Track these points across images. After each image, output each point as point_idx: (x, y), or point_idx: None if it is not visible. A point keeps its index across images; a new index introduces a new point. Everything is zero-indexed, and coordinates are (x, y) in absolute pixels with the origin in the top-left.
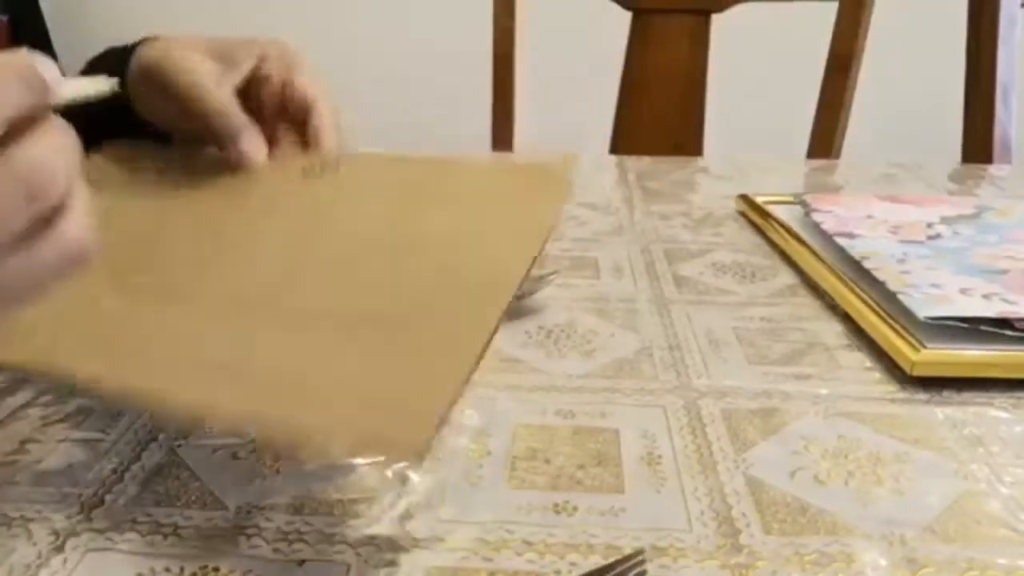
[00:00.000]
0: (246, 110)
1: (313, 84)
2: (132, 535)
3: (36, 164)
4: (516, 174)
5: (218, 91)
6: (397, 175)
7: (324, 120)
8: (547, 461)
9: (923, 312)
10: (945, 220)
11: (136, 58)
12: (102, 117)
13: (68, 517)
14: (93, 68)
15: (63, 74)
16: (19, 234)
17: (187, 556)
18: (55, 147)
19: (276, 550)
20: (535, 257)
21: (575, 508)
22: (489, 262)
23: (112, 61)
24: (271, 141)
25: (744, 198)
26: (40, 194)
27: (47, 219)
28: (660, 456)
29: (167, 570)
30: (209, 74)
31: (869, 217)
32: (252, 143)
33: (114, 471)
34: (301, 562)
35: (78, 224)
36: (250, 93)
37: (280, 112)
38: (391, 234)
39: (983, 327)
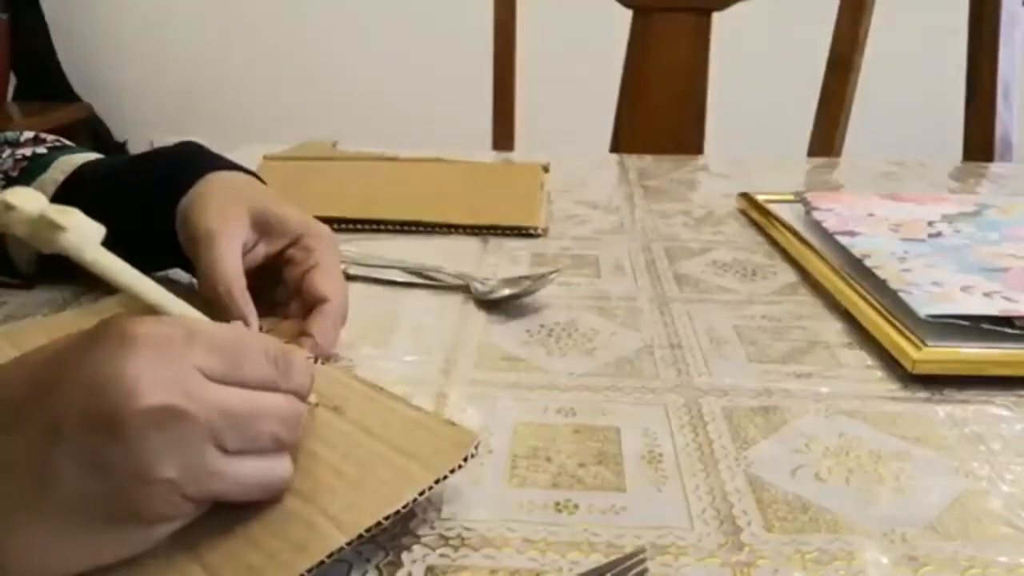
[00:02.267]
0: (264, 279)
1: (329, 281)
2: None
3: (300, 412)
4: (428, 427)
5: (230, 271)
6: (343, 393)
7: (326, 322)
8: (548, 459)
9: (924, 310)
10: (946, 218)
11: (184, 199)
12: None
13: None
14: (136, 164)
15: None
16: (264, 449)
17: None
18: (303, 407)
19: None
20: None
21: (576, 506)
22: (342, 510)
23: (160, 176)
24: (282, 315)
25: (745, 196)
26: (293, 437)
27: (276, 450)
28: (661, 454)
29: None
30: (231, 246)
31: (870, 215)
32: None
33: None
34: None
35: (289, 465)
36: (275, 264)
37: (295, 293)
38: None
39: (984, 325)
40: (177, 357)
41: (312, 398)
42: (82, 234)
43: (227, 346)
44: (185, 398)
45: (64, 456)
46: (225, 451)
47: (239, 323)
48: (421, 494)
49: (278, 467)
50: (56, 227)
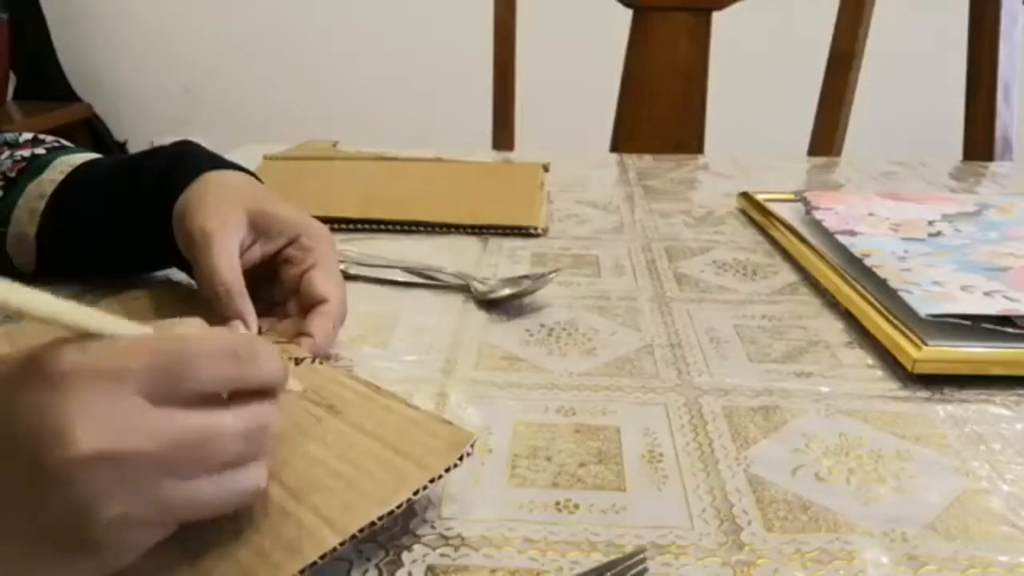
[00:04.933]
0: (262, 279)
1: (328, 281)
2: None
3: (264, 420)
4: (424, 426)
5: (228, 271)
6: (340, 393)
7: (325, 321)
8: (548, 459)
9: (924, 309)
10: (946, 217)
11: (181, 199)
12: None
13: None
14: (134, 163)
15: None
16: (222, 467)
17: None
18: (276, 413)
19: None
20: (369, 523)
21: (576, 506)
22: (336, 511)
23: (156, 178)
24: (280, 314)
25: (745, 196)
26: (257, 446)
27: (243, 463)
28: (661, 454)
29: None
30: (228, 246)
31: (870, 215)
32: (238, 331)
33: None
34: None
35: (261, 474)
36: (273, 264)
37: (293, 292)
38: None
39: (984, 324)
40: (109, 391)
41: (295, 385)
42: None
43: (167, 362)
44: (122, 438)
45: (7, 501)
46: (180, 477)
47: (239, 326)
48: (416, 494)
49: (244, 481)
50: None
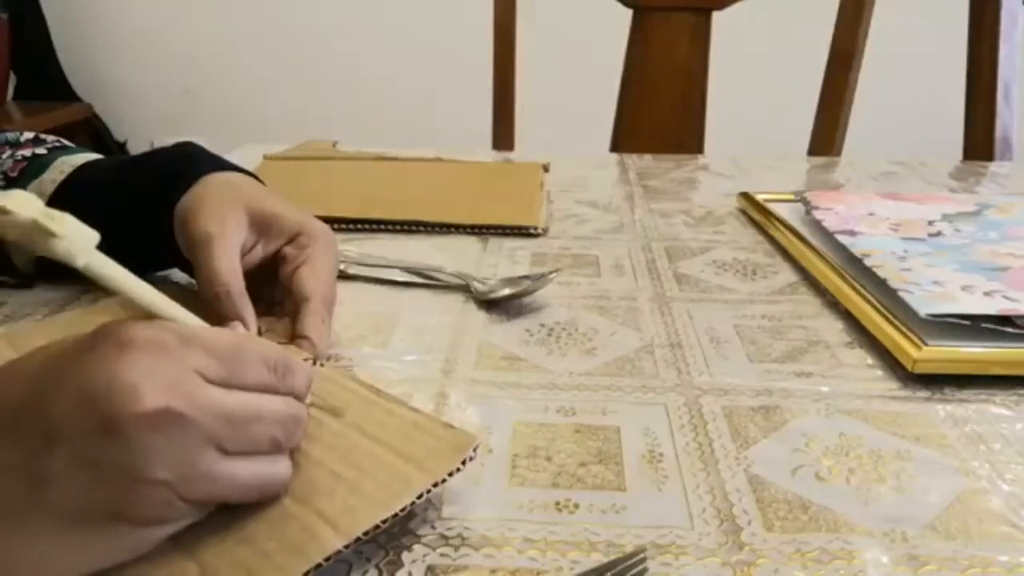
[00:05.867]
0: (263, 278)
1: (312, 278)
2: None
3: (300, 413)
4: (427, 430)
5: (228, 273)
6: (342, 394)
7: (315, 320)
8: (548, 459)
9: (924, 309)
10: (946, 217)
11: (182, 200)
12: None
13: None
14: (135, 164)
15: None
16: (262, 450)
17: None
18: (303, 409)
19: None
20: (378, 523)
21: (576, 506)
22: (340, 513)
23: (157, 178)
24: (278, 314)
25: (745, 196)
26: (291, 437)
27: (274, 452)
28: (661, 454)
29: None
30: (229, 248)
31: (870, 214)
32: (238, 331)
33: None
34: None
35: (288, 467)
36: (273, 265)
37: (289, 291)
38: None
39: (984, 324)
40: (175, 360)
41: (308, 399)
42: (74, 241)
43: (225, 350)
44: (183, 401)
45: (60, 460)
46: (223, 453)
47: (238, 327)
48: (419, 497)
49: (276, 469)
50: (48, 234)
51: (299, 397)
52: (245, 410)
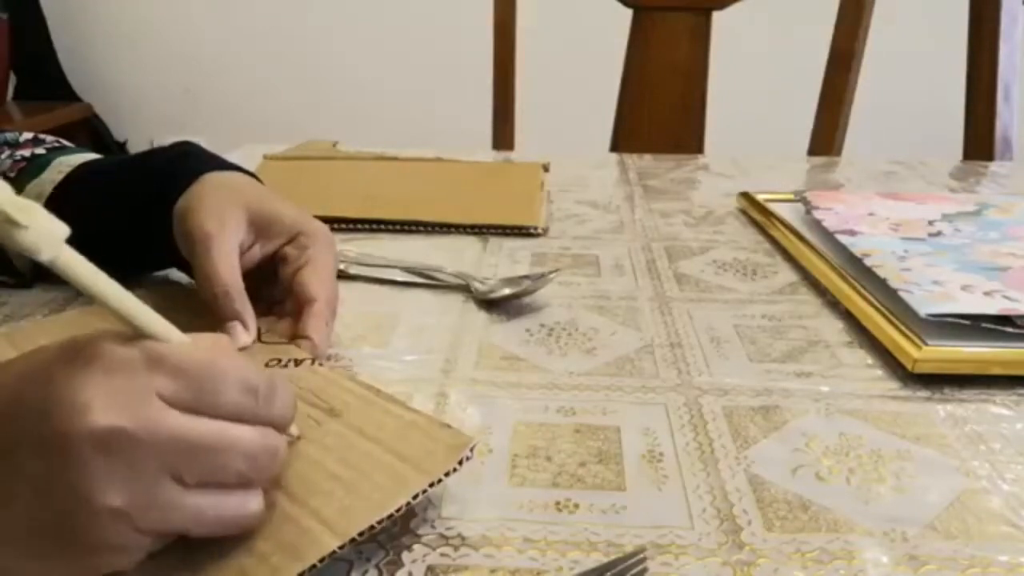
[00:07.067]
0: (262, 278)
1: (316, 280)
2: None
3: (275, 445)
4: (424, 430)
5: (227, 273)
6: (342, 396)
7: (318, 322)
8: (548, 459)
9: (924, 309)
10: (946, 217)
11: (180, 200)
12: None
13: None
14: (134, 164)
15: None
16: (225, 484)
17: None
18: (284, 445)
19: None
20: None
21: (576, 506)
22: (336, 512)
23: (154, 178)
24: (278, 314)
25: (745, 196)
26: (263, 471)
27: (247, 486)
28: (662, 453)
29: None
30: (228, 247)
31: (870, 214)
32: (237, 333)
33: None
34: None
35: (259, 502)
36: (272, 264)
37: (290, 291)
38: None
39: (984, 324)
40: (136, 380)
41: (293, 430)
42: (41, 233)
43: (197, 372)
44: (137, 422)
45: (16, 480)
46: (184, 484)
47: (237, 328)
48: (415, 498)
49: (244, 504)
50: (13, 223)
51: (279, 427)
52: (209, 439)
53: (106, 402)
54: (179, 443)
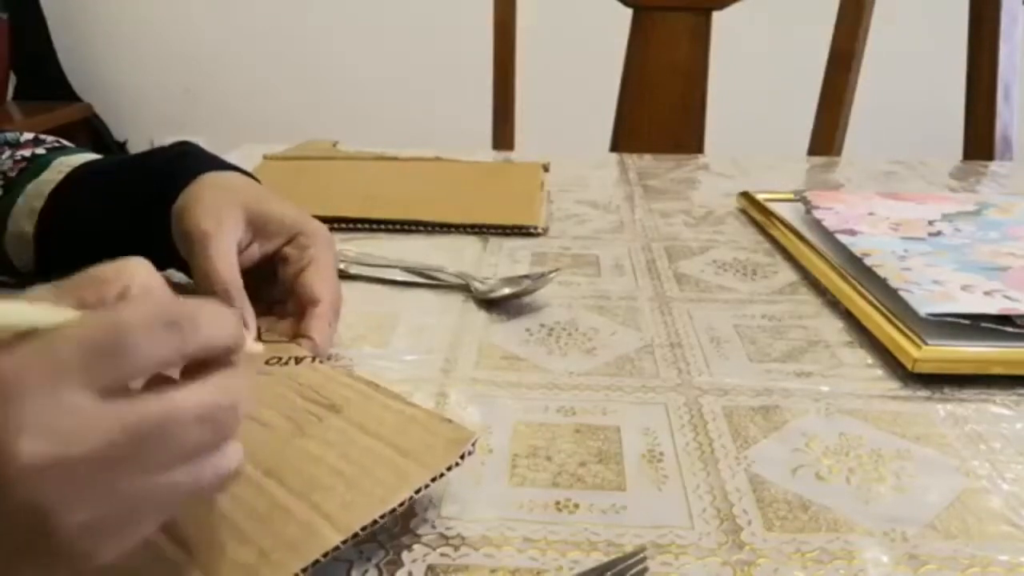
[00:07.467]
0: (261, 278)
1: (321, 281)
2: None
3: (228, 397)
4: (425, 425)
5: (226, 271)
6: (342, 392)
7: (321, 322)
8: (548, 458)
9: (924, 309)
10: (946, 217)
11: (178, 200)
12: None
13: None
14: (133, 164)
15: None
16: (190, 455)
17: None
18: (241, 385)
19: None
20: (371, 522)
21: (576, 505)
22: (339, 508)
23: (153, 178)
24: (279, 314)
25: (745, 195)
26: (225, 428)
27: (213, 447)
28: (662, 453)
29: None
30: (226, 246)
31: (870, 214)
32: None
33: None
34: None
35: (236, 454)
36: (271, 264)
37: (291, 292)
38: (276, 454)
39: (984, 324)
40: (51, 393)
41: (255, 347)
42: None
43: (100, 346)
44: (70, 442)
45: None
46: (147, 471)
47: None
48: (418, 492)
49: (218, 466)
50: None
51: (220, 350)
52: (149, 422)
53: (30, 433)
54: (122, 439)
